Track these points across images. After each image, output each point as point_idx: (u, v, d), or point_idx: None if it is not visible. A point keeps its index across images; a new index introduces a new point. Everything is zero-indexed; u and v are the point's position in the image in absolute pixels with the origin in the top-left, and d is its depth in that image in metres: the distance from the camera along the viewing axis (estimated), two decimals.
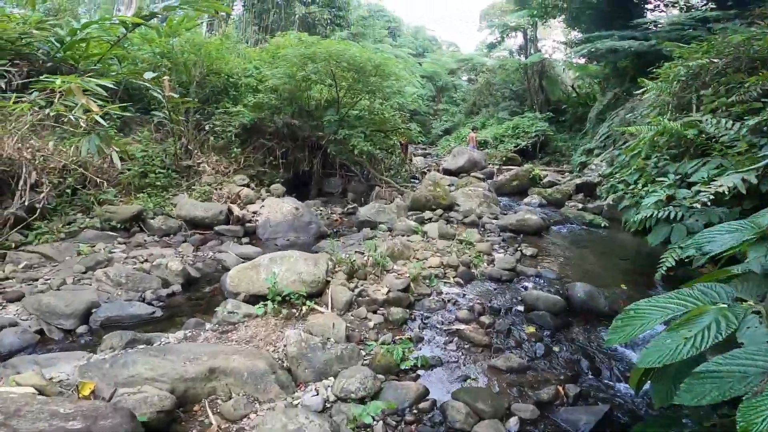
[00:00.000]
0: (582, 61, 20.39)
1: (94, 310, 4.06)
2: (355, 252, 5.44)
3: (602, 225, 7.74)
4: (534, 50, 20.17)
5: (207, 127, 9.31)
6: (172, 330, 3.91)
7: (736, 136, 5.18)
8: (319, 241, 6.70)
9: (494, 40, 23.56)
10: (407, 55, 29.99)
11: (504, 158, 15.10)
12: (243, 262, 5.13)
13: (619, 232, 7.53)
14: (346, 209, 9.10)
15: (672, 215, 5.36)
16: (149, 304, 4.41)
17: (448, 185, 9.75)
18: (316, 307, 4.31)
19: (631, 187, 8.70)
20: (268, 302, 4.08)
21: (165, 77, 7.63)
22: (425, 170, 13.07)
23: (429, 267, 5.24)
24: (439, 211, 7.92)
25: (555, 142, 16.50)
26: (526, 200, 9.53)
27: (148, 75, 6.84)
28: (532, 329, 4.07)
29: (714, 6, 10.20)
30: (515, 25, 19.06)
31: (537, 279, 5.27)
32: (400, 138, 12.73)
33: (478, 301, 4.63)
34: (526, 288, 5.02)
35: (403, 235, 6.31)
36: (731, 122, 5.41)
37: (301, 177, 10.32)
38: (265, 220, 7.15)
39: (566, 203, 9.45)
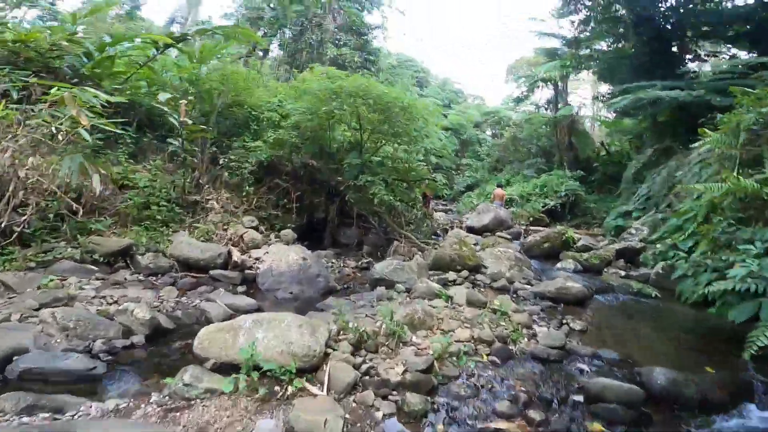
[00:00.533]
0: (611, 116, 19.76)
1: (15, 358, 3.23)
2: (366, 316, 4.50)
3: (653, 295, 6.63)
4: (563, 104, 19.67)
5: (222, 162, 8.75)
6: (104, 395, 3.03)
7: None
8: (326, 297, 5.78)
9: (521, 94, 23.34)
10: (434, 104, 29.99)
11: (531, 218, 14.14)
12: (232, 315, 4.24)
13: (673, 303, 6.44)
14: (360, 263, 8.19)
15: (754, 288, 4.66)
16: (95, 356, 3.55)
17: (473, 244, 8.82)
18: (307, 386, 3.34)
19: (686, 254, 7.63)
20: (241, 375, 3.13)
21: (182, 101, 7.14)
22: (448, 227, 12.18)
23: (456, 341, 4.24)
24: (465, 273, 6.94)
25: (585, 203, 15.52)
26: (560, 265, 8.47)
27: (163, 97, 6.35)
28: (599, 427, 3.11)
29: (757, 53, 9.45)
30: (545, 77, 18.68)
31: (594, 360, 4.20)
32: (424, 189, 12.03)
33: (522, 387, 3.61)
34: (582, 371, 3.97)
35: (424, 299, 5.34)
36: None
37: (315, 224, 9.56)
38: (268, 268, 6.30)
39: (605, 270, 8.35)
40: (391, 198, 8.70)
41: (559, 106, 19.90)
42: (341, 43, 22.34)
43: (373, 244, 9.23)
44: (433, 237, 10.44)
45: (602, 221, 14.61)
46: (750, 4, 12.12)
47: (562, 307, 5.86)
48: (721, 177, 6.46)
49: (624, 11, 13.98)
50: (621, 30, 14.26)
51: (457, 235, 7.57)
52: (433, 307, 4.91)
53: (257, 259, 6.61)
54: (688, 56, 13.29)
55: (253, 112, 9.69)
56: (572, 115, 19.38)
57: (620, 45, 14.47)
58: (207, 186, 8.24)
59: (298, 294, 5.93)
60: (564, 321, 5.19)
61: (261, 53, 20.16)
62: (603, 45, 15.66)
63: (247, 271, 6.29)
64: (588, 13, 15.28)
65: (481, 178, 24.66)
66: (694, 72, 12.45)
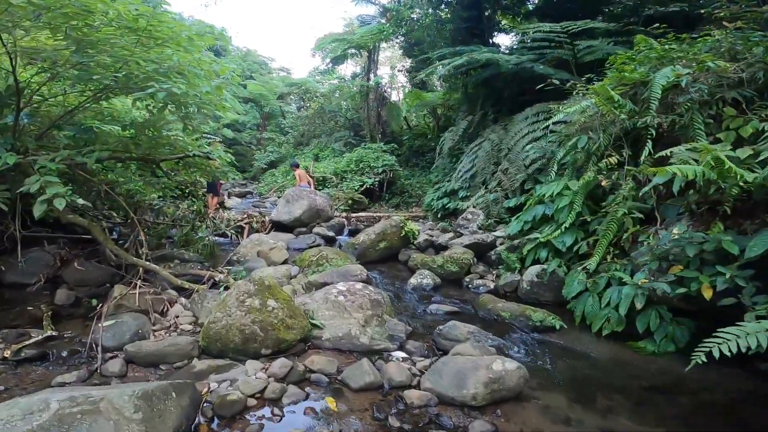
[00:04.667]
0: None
1: None
2: None
3: (557, 327, 4.19)
4: (374, 75, 17.14)
5: None
6: None
7: None
8: None
9: (326, 65, 20.10)
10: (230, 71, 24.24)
11: (350, 201, 11.07)
12: None
13: (583, 333, 4.14)
14: (21, 344, 3.39)
15: None
16: None
17: (283, 263, 5.07)
18: None
19: (571, 255, 5.52)
20: None
21: None
22: (244, 223, 7.97)
23: None
24: (280, 362, 3.10)
25: (401, 179, 13.34)
26: (414, 281, 5.48)
27: None
28: None
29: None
30: (359, 43, 15.67)
31: None
32: (205, 176, 7.48)
33: None
34: None
35: None
36: None
37: None
38: None
39: (466, 279, 5.77)
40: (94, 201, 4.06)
41: (371, 76, 17.29)
42: None
43: (85, 281, 4.50)
44: (218, 249, 6.17)
45: (419, 199, 12.72)
46: None
47: (493, 417, 2.69)
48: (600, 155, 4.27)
49: None
50: None
51: (256, 282, 3.49)
52: None
53: None
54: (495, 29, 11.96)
55: None
56: (382, 86, 17.01)
57: (437, 12, 12.39)
58: None
59: None
60: None
61: None
62: (418, 12, 13.43)
63: None
64: None
65: (285, 153, 20.72)
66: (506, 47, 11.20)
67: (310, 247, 6.80)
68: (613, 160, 4.89)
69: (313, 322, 3.62)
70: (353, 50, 17.54)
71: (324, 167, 13.31)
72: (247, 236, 7.75)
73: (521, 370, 2.87)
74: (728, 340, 2.65)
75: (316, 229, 7.68)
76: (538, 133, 8.15)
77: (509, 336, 4.02)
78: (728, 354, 2.57)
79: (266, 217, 8.27)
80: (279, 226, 8.12)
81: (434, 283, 5.42)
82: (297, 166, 10.77)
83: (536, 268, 5.29)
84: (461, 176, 9.92)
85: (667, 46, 4.78)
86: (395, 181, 13.06)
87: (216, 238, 7.44)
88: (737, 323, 2.81)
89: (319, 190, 11.65)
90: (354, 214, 9.95)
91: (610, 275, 4.42)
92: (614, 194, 4.75)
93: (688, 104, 4.12)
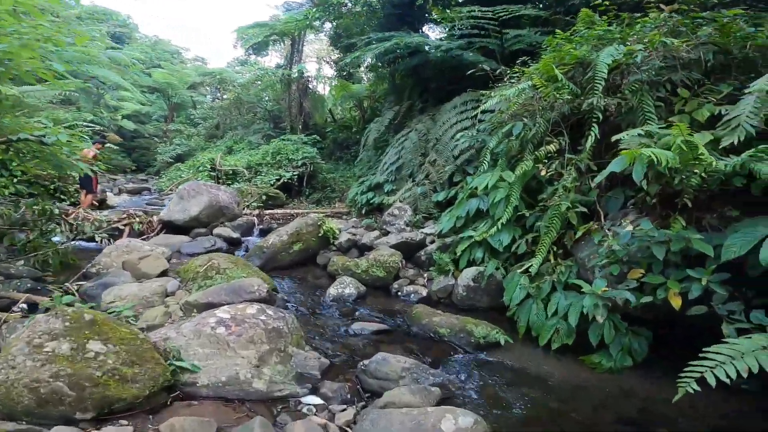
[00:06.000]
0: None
1: None
2: None
3: (502, 342, 3.47)
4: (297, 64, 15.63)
5: None
6: None
7: None
8: None
9: (246, 54, 18.24)
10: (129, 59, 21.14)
11: (263, 196, 9.66)
12: None
13: (529, 347, 3.49)
14: None
15: None
16: None
17: (161, 275, 3.77)
18: None
19: (507, 255, 4.81)
20: None
21: None
22: (121, 224, 6.30)
23: None
24: (110, 430, 1.92)
25: (323, 173, 12.19)
26: (333, 292, 4.45)
27: None
28: None
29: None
30: (283, 30, 14.08)
31: None
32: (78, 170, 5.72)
33: None
34: None
35: None
36: None
37: None
38: None
39: (394, 285, 4.90)
40: None
41: (293, 66, 15.75)
42: None
43: None
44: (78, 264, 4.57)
45: (342, 194, 11.69)
46: None
47: None
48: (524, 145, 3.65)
49: None
50: None
51: (69, 316, 2.19)
52: None
53: None
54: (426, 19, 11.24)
55: None
56: (305, 76, 15.58)
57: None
58: None
59: None
60: None
61: None
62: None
63: None
64: None
65: (195, 146, 18.44)
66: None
67: (208, 252, 5.46)
68: (552, 147, 4.32)
69: (180, 365, 2.44)
70: (276, 37, 15.96)
71: (236, 160, 11.66)
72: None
73: (479, 426, 2.01)
74: (722, 363, 2.05)
75: (217, 230, 6.29)
76: (466, 123, 7.58)
77: (451, 361, 3.18)
78: (727, 381, 1.96)
79: (154, 217, 6.65)
80: (172, 228, 6.57)
81: (358, 293, 4.45)
82: (101, 142, 8.63)
83: (472, 270, 4.58)
84: (387, 168, 9.09)
85: (607, 27, 4.30)
86: (316, 175, 11.87)
87: (84, 243, 5.75)
88: (725, 339, 2.25)
89: (228, 185, 10.09)
90: (268, 211, 8.62)
91: (554, 279, 3.82)
92: (554, 185, 4.17)
93: (637, 85, 3.61)
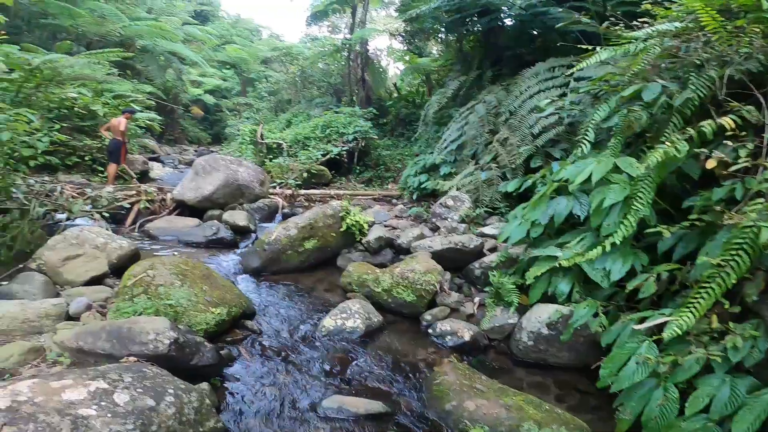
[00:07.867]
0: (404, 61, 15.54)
1: None
2: None
3: None
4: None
5: None
6: None
7: None
8: None
9: (317, 32, 17.20)
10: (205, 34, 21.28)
11: (305, 174, 8.39)
12: None
13: None
14: None
15: None
16: None
17: (91, 281, 2.55)
18: None
19: (609, 294, 2.70)
20: None
21: None
22: (128, 201, 5.35)
23: None
24: None
25: (378, 150, 10.63)
26: (328, 325, 2.93)
27: None
28: None
29: None
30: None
31: None
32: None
33: None
34: None
35: None
36: None
37: None
38: None
39: (425, 317, 3.26)
40: None
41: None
42: None
43: None
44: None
45: (397, 174, 10.07)
46: None
47: None
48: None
49: None
50: None
51: None
52: None
53: None
54: None
55: None
56: (365, 45, 13.98)
57: None
58: None
59: None
60: None
61: None
62: None
63: None
64: None
65: (262, 119, 17.97)
66: None
67: (207, 244, 4.28)
68: (729, 121, 2.29)
69: None
70: (336, 6, 14.49)
71: (285, 133, 10.55)
72: (131, 222, 5.20)
73: None
74: None
75: (227, 214, 5.08)
76: (554, 92, 5.49)
77: None
78: None
79: (168, 194, 5.65)
80: (186, 208, 5.53)
81: (367, 326, 2.91)
82: (131, 112, 7.22)
83: (549, 309, 2.79)
84: (446, 147, 7.29)
85: None
86: (369, 152, 10.34)
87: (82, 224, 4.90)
88: None
89: (270, 159, 9.00)
90: (303, 192, 7.34)
91: (713, 352, 1.93)
92: (733, 187, 2.18)
93: None
